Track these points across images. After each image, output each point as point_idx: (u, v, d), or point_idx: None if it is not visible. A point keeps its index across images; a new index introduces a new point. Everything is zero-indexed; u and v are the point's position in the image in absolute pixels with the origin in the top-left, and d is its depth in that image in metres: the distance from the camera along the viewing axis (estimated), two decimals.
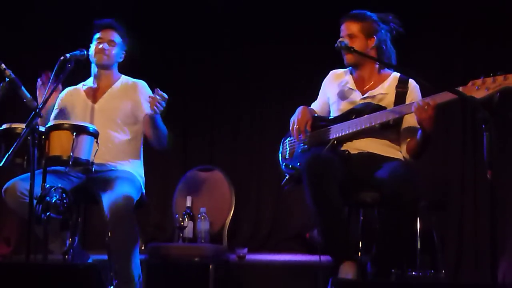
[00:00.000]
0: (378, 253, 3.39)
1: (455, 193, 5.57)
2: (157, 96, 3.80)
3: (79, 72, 3.98)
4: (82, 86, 4.26)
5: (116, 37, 4.18)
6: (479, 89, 3.20)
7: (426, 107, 3.33)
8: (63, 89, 4.19)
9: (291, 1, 6.07)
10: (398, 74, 3.75)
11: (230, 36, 6.34)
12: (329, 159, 3.41)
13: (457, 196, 5.58)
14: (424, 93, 3.59)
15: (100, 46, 4.13)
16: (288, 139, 3.92)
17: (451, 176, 5.62)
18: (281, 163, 3.92)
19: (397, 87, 3.70)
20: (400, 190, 3.24)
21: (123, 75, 4.29)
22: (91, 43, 4.18)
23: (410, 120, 3.57)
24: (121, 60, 4.27)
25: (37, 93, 3.94)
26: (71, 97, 4.25)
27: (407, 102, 3.64)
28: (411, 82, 3.71)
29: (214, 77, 6.39)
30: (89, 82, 4.27)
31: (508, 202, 5.23)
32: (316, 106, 4.03)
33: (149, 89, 4.22)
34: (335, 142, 3.67)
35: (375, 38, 3.73)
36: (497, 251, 3.26)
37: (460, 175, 5.63)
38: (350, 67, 3.87)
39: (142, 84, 4.23)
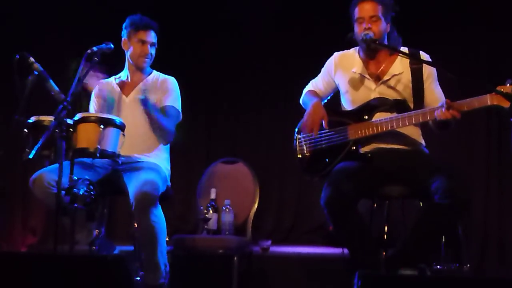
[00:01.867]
0: (413, 248, 3.37)
1: (479, 186, 5.52)
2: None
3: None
4: (114, 80, 4.27)
5: (155, 38, 4.18)
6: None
7: (452, 116, 3.31)
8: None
9: None
10: (405, 48, 3.64)
11: (253, 28, 6.31)
12: (348, 194, 3.36)
13: (482, 192, 5.53)
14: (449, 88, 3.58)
15: (144, 49, 4.14)
16: (302, 134, 3.83)
17: (476, 173, 5.57)
18: (299, 161, 3.86)
19: (410, 63, 3.62)
20: (454, 188, 3.22)
21: (154, 71, 4.30)
22: (122, 34, 4.18)
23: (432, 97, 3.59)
24: None
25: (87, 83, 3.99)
26: (104, 89, 4.27)
27: (424, 77, 3.61)
28: (423, 55, 3.63)
29: (237, 71, 6.38)
30: (123, 75, 4.29)
31: None
32: (319, 85, 3.95)
33: (177, 87, 4.24)
34: (353, 147, 3.63)
35: (390, 22, 3.67)
36: None
37: (485, 172, 5.58)
38: (358, 48, 3.78)
39: (171, 80, 4.23)
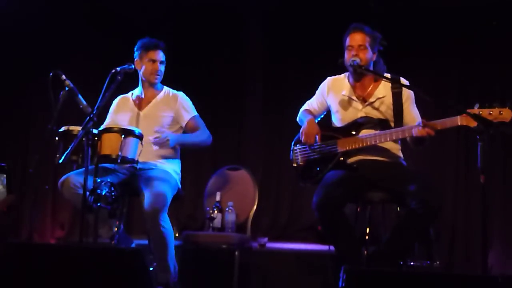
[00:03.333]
0: (392, 247, 3.38)
1: (449, 193, 5.52)
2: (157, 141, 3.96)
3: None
4: (131, 95, 4.28)
5: (163, 56, 4.18)
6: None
7: (427, 133, 3.34)
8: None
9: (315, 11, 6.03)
10: (388, 75, 3.67)
11: (256, 41, 6.30)
12: (336, 199, 3.39)
13: (451, 195, 5.53)
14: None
15: (155, 67, 4.14)
16: (298, 146, 3.83)
17: (447, 181, 5.57)
18: (294, 169, 3.87)
19: (392, 88, 3.64)
20: (428, 198, 3.25)
21: (165, 87, 4.29)
22: (134, 55, 4.18)
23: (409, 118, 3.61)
24: None
25: None
26: (122, 104, 4.27)
27: (403, 99, 3.63)
28: (403, 80, 3.66)
29: (243, 88, 6.36)
30: (137, 91, 4.28)
31: (495, 202, 5.21)
32: (313, 105, 3.96)
33: (187, 98, 4.24)
34: (342, 158, 3.64)
35: (376, 52, 3.70)
36: (487, 245, 3.23)
37: (454, 181, 5.58)
38: (347, 73, 3.81)
39: (181, 95, 4.24)
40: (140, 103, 4.22)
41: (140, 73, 4.18)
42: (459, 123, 3.30)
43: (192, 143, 4.16)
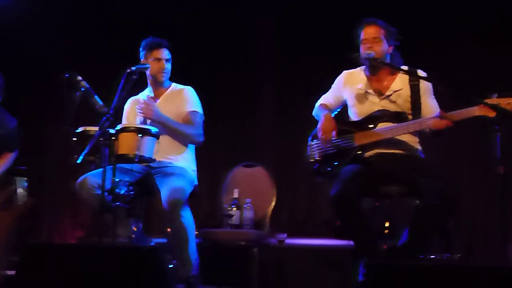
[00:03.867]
0: (411, 241, 3.35)
1: (467, 185, 5.47)
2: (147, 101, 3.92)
3: None
4: (141, 95, 4.29)
5: (168, 54, 4.17)
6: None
7: (446, 125, 3.32)
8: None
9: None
10: (405, 67, 3.64)
11: (267, 36, 6.28)
12: (353, 194, 3.36)
13: (469, 187, 5.48)
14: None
15: (161, 66, 4.13)
16: (315, 141, 3.81)
17: (465, 173, 5.52)
18: (311, 164, 3.84)
19: (409, 80, 3.61)
20: (445, 190, 3.23)
21: (173, 83, 4.29)
22: (140, 56, 4.17)
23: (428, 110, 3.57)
24: None
25: None
26: (134, 104, 4.28)
27: (421, 92, 3.59)
28: (420, 72, 3.63)
29: (256, 84, 6.35)
30: (147, 92, 4.30)
31: None
32: (329, 99, 3.93)
33: (194, 93, 4.22)
34: (359, 152, 3.62)
35: (392, 46, 3.68)
36: (506, 236, 3.21)
37: (472, 172, 5.53)
38: (364, 67, 3.78)
39: (187, 89, 4.22)
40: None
41: (147, 73, 4.17)
42: (477, 114, 3.27)
43: (175, 129, 4.03)
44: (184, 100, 4.17)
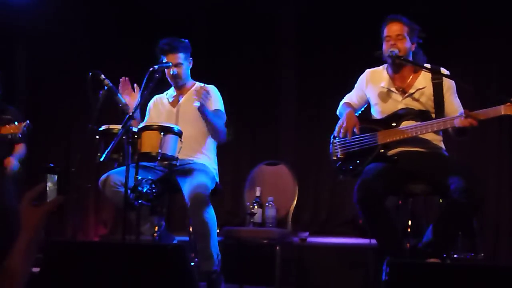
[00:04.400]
0: (435, 239, 3.31)
1: (492, 184, 5.40)
2: (203, 90, 3.82)
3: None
4: (165, 94, 4.30)
5: (180, 57, 4.11)
6: None
7: (470, 124, 3.27)
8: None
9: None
10: (428, 65, 3.60)
11: (289, 35, 6.27)
12: (377, 192, 3.33)
13: (495, 187, 5.41)
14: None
15: (171, 72, 4.11)
16: (337, 139, 3.78)
17: (490, 172, 5.45)
18: (334, 162, 3.82)
19: (432, 78, 3.58)
20: (470, 187, 3.17)
21: (197, 82, 4.27)
22: (159, 57, 4.12)
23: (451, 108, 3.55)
24: (190, 66, 4.25)
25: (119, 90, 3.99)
26: (158, 103, 4.30)
27: (444, 91, 3.56)
28: (443, 70, 3.58)
29: (279, 82, 6.34)
30: (171, 91, 4.31)
31: None
32: (353, 98, 3.91)
33: (217, 92, 4.21)
34: (382, 150, 3.60)
35: (415, 43, 3.64)
36: None
37: (497, 171, 5.46)
38: (386, 65, 3.75)
39: (210, 88, 4.21)
40: (174, 101, 4.25)
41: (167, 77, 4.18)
42: (502, 113, 3.22)
43: (211, 122, 3.99)
44: (208, 100, 4.15)
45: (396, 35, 3.57)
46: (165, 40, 4.11)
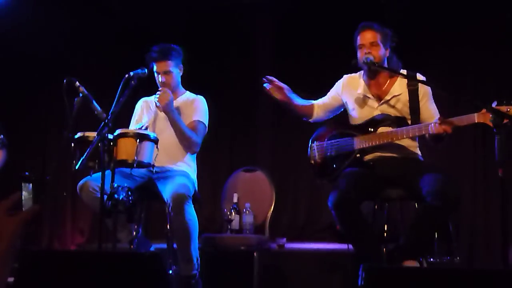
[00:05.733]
0: (411, 243, 3.34)
1: (468, 188, 5.46)
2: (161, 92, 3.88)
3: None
4: (154, 98, 4.28)
5: (170, 65, 4.10)
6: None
7: (444, 131, 3.30)
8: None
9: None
10: (404, 71, 3.62)
11: (271, 44, 6.29)
12: (352, 197, 3.35)
13: (470, 190, 5.47)
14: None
15: (160, 79, 4.10)
16: (315, 143, 3.81)
17: (466, 177, 5.51)
18: (311, 166, 3.84)
19: (408, 85, 3.60)
20: (446, 190, 3.20)
21: (187, 91, 4.28)
22: (149, 64, 4.13)
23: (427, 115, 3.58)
24: (181, 74, 4.24)
25: None
26: (145, 106, 4.30)
27: (420, 96, 3.58)
28: (419, 76, 3.61)
29: (256, 89, 6.35)
30: None
31: None
32: (324, 99, 3.95)
33: (204, 104, 4.21)
34: (358, 155, 3.62)
35: (389, 49, 3.67)
36: (507, 239, 3.20)
37: (472, 176, 5.53)
38: (362, 72, 3.78)
39: (199, 99, 4.20)
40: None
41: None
42: (476, 121, 3.26)
43: (179, 128, 3.97)
44: (194, 109, 4.17)
45: (370, 43, 3.59)
46: (156, 47, 4.11)
